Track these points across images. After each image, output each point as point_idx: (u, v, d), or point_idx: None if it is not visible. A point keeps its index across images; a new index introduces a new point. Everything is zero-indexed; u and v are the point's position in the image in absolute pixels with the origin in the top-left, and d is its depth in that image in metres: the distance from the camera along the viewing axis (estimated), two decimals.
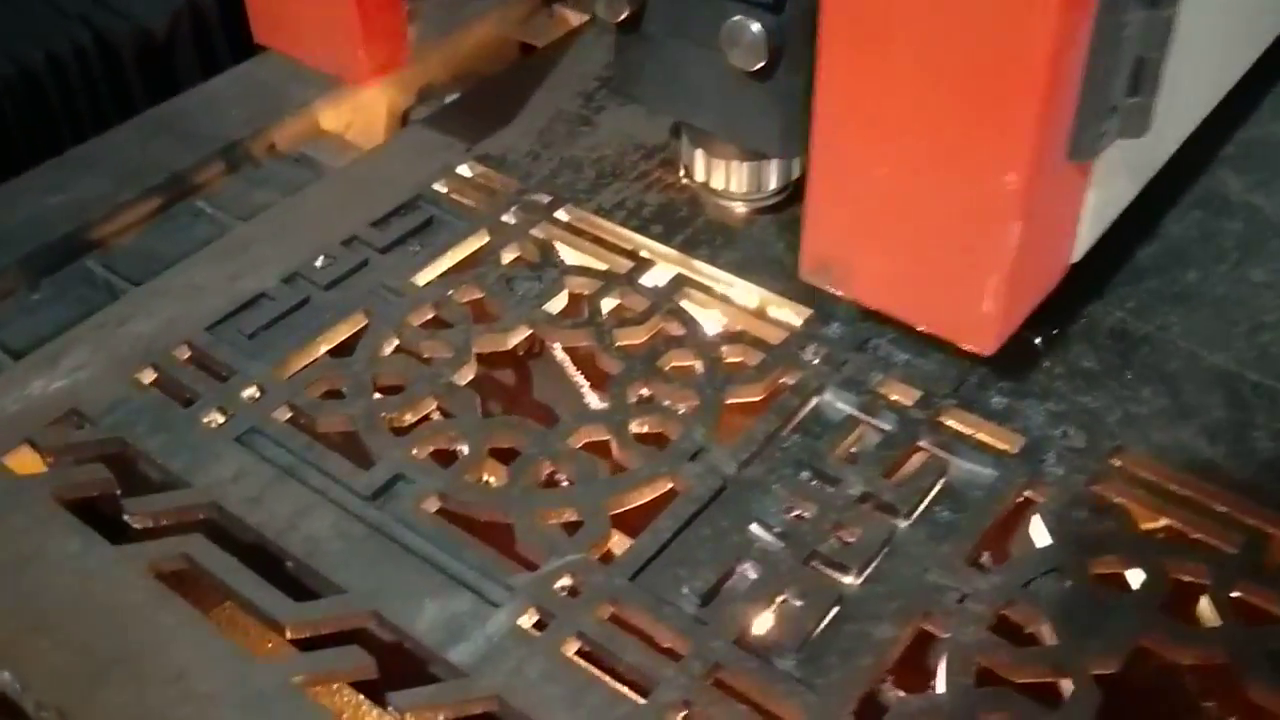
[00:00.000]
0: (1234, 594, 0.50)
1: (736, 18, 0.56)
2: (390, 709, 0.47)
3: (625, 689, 0.48)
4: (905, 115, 0.48)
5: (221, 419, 0.58)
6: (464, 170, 0.73)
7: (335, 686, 0.53)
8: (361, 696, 0.53)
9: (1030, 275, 0.52)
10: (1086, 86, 0.47)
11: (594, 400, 0.65)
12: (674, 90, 0.62)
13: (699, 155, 0.67)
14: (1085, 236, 0.55)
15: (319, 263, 0.67)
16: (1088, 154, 0.49)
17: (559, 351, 0.66)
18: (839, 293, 0.55)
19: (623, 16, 0.60)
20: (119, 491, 0.56)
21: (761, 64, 0.57)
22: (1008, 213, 0.48)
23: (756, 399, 0.59)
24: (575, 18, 0.89)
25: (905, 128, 0.48)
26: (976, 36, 0.45)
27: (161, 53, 0.98)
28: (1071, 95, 0.47)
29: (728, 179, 0.66)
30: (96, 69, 0.96)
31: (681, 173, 0.69)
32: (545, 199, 0.70)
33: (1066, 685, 0.47)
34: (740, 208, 0.68)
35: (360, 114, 0.85)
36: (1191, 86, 0.56)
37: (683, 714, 0.47)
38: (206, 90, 0.85)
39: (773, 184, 0.67)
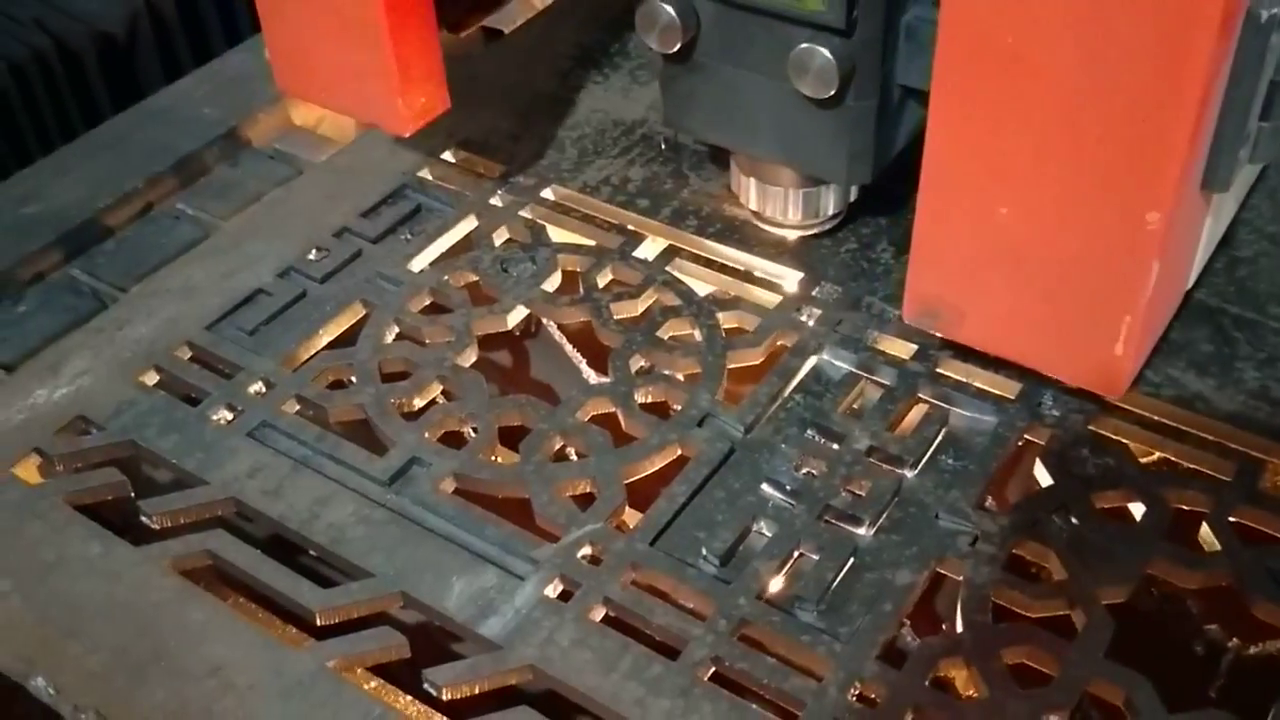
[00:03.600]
0: (1232, 519, 0.52)
1: (804, 45, 0.54)
2: (426, 685, 0.48)
3: (655, 651, 0.49)
4: (1035, 151, 0.45)
5: (231, 416, 0.59)
6: (447, 156, 0.73)
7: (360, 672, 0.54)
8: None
9: (1158, 313, 0.50)
10: (1225, 114, 0.44)
11: (592, 376, 0.66)
12: (731, 120, 0.60)
13: (752, 184, 0.64)
14: (1199, 264, 0.54)
15: (312, 256, 0.67)
16: (1223, 185, 0.46)
17: (554, 330, 0.67)
18: (947, 337, 0.54)
19: (676, 48, 0.58)
20: (133, 494, 0.56)
21: (832, 91, 0.55)
22: (1147, 253, 0.45)
23: (757, 362, 0.61)
24: (540, 0, 0.89)
25: (1034, 164, 0.45)
26: (1127, 65, 0.42)
27: (123, 56, 0.97)
28: (1211, 125, 0.44)
29: (785, 207, 0.64)
30: (58, 75, 0.95)
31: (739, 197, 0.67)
32: (531, 180, 0.71)
33: (1078, 617, 0.49)
34: (794, 235, 0.66)
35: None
36: None
37: (713, 670, 0.48)
38: (175, 91, 0.85)
39: (830, 210, 0.64)
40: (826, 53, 0.54)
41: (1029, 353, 0.52)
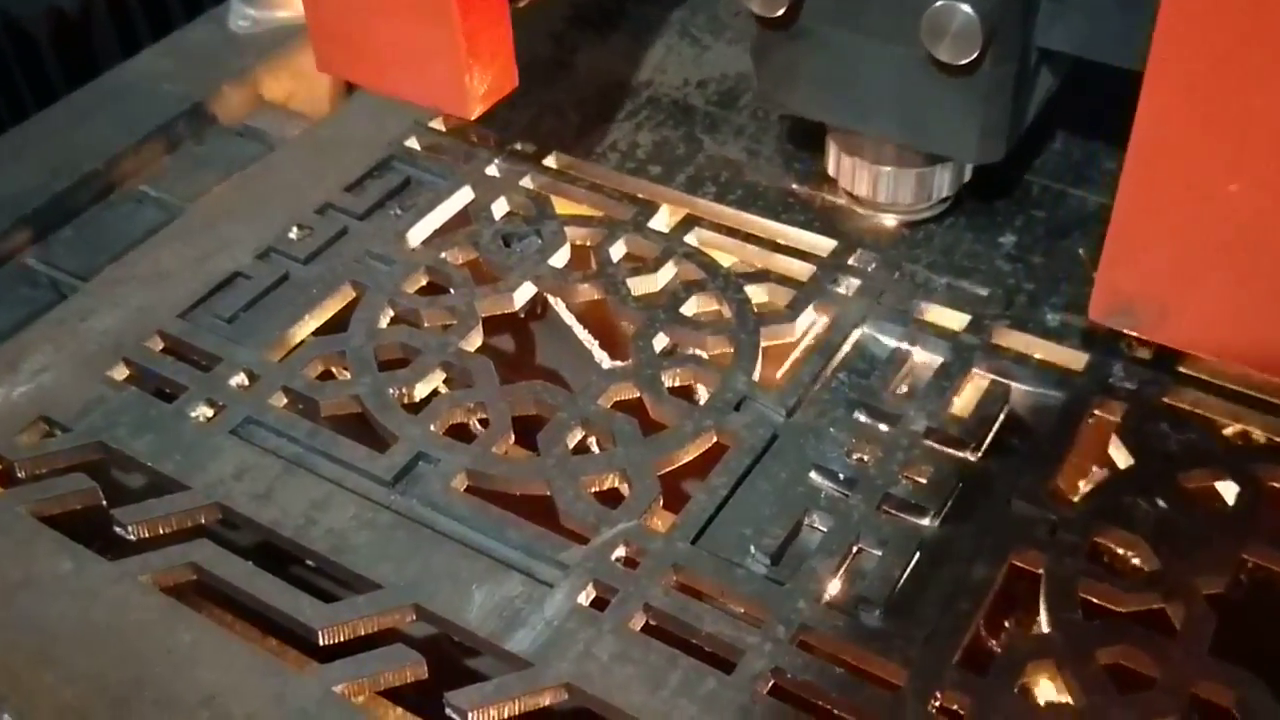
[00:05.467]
0: None
1: (941, 3, 0.49)
2: (449, 711, 0.42)
3: (705, 663, 0.43)
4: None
5: (211, 412, 0.53)
6: (436, 125, 0.67)
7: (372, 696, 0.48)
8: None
9: None
10: None
11: (605, 360, 0.60)
12: (841, 94, 0.55)
13: (856, 164, 0.58)
14: None
15: (294, 235, 0.61)
16: None
17: (563, 310, 0.61)
18: (1145, 338, 0.47)
19: (781, 10, 0.53)
20: (105, 503, 0.50)
21: (974, 54, 0.49)
22: None
23: (794, 339, 0.55)
24: None
25: (1273, 130, 0.39)
26: None
27: (77, 32, 0.91)
28: None
29: (894, 189, 0.57)
30: (9, 53, 0.89)
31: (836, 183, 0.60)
32: (530, 148, 0.65)
33: (1175, 610, 0.44)
34: (895, 220, 0.59)
35: (303, 82, 0.79)
36: None
37: (772, 683, 0.43)
38: (135, 65, 0.79)
39: (945, 191, 0.58)
40: (969, 9, 0.48)
41: (1253, 354, 0.44)
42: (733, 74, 0.69)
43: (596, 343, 0.62)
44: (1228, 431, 0.50)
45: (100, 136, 0.72)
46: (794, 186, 0.62)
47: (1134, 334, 0.46)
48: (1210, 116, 0.39)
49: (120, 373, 0.55)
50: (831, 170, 0.59)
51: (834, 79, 0.54)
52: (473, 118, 0.56)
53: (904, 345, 0.54)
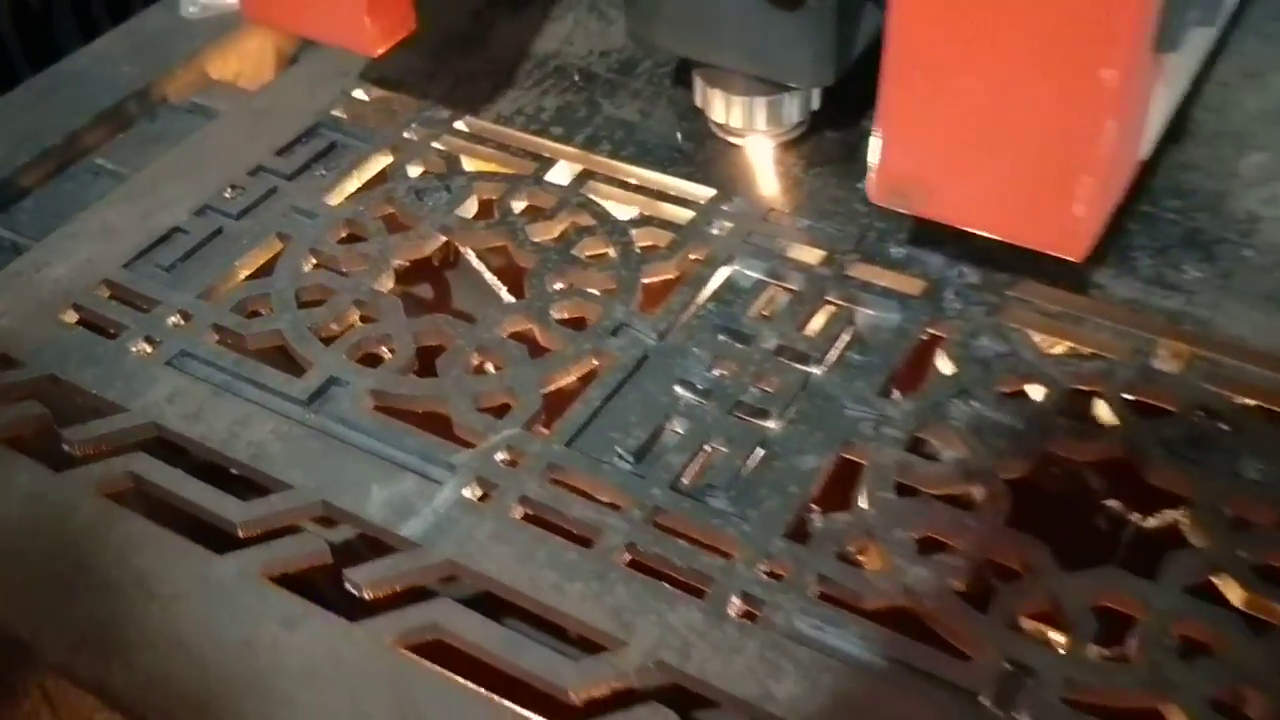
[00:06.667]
0: (1126, 395, 0.54)
1: None
2: (347, 585, 0.49)
3: (573, 542, 0.50)
4: (995, 19, 0.45)
5: (150, 348, 0.59)
6: (360, 95, 0.74)
7: None
8: None
9: (1116, 175, 0.50)
10: None
11: (512, 301, 0.67)
12: (695, 30, 0.61)
13: (717, 95, 0.65)
14: (1153, 134, 0.55)
15: (228, 194, 0.68)
16: (1173, 44, 0.47)
17: (473, 259, 0.68)
18: (917, 215, 0.53)
19: None
20: (55, 426, 0.56)
21: None
22: (1104, 111, 0.45)
23: (671, 276, 0.62)
24: None
25: (995, 33, 0.46)
26: None
27: (39, 20, 0.97)
28: None
29: (750, 116, 0.65)
30: None
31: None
32: (445, 113, 0.72)
33: (977, 491, 0.51)
34: (759, 144, 0.67)
35: (249, 61, 0.85)
36: None
37: (628, 557, 0.49)
38: (93, 50, 0.85)
39: (795, 116, 0.65)
40: None
41: (995, 223, 0.51)
42: (632, 46, 0.76)
43: (505, 288, 0.68)
44: (1040, 344, 0.57)
45: (59, 115, 0.78)
46: (680, 143, 0.68)
47: (910, 213, 0.53)
48: (943, 25, 0.46)
49: (70, 317, 0.62)
50: (699, 102, 0.66)
51: (689, 17, 0.61)
52: (375, 55, 0.63)
53: (766, 278, 0.61)
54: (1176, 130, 0.66)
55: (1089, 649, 0.45)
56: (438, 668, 0.46)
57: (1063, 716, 0.43)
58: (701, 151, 0.68)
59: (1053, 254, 0.50)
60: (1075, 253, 0.49)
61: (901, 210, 0.52)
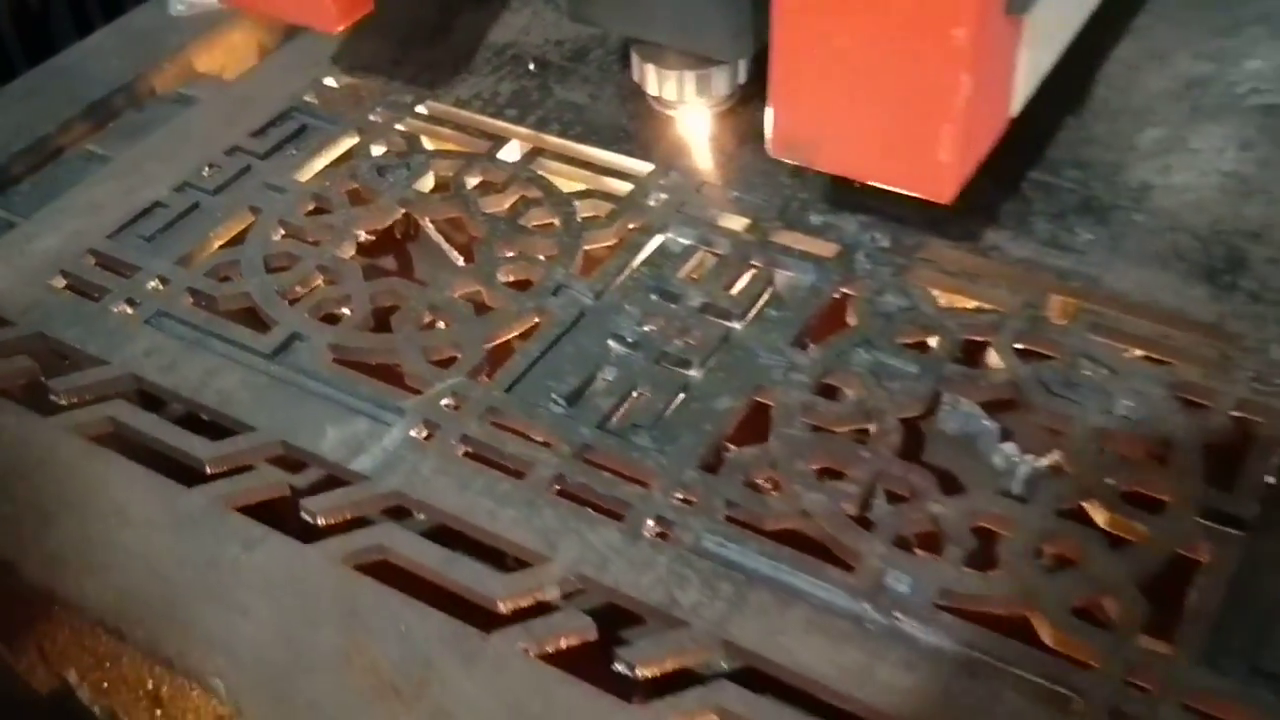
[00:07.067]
0: (1016, 345, 0.59)
1: None
2: (304, 514, 0.54)
3: (506, 475, 0.55)
4: None
5: (130, 309, 0.65)
6: (331, 82, 0.80)
7: None
8: None
9: (980, 126, 0.55)
10: None
11: (463, 265, 0.72)
12: (627, 9, 0.66)
13: (650, 70, 0.70)
14: (1021, 93, 0.59)
15: (205, 172, 0.73)
16: (1023, 7, 0.53)
17: (431, 230, 0.73)
18: (812, 167, 0.58)
19: None
20: (43, 377, 0.62)
21: None
22: (958, 66, 0.50)
23: (610, 243, 0.67)
24: None
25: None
26: None
27: (37, 19, 1.03)
28: None
29: (682, 88, 0.70)
30: None
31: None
32: (408, 98, 0.77)
33: (874, 427, 0.56)
34: (692, 115, 0.72)
35: (233, 55, 0.91)
36: None
37: (557, 487, 0.55)
38: (85, 46, 0.90)
39: (723, 89, 0.69)
40: None
41: (873, 171, 0.56)
42: (585, 35, 0.81)
43: (461, 259, 0.74)
44: (940, 299, 0.62)
45: (53, 106, 0.83)
46: (624, 123, 0.74)
47: (808, 166, 0.58)
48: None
49: (59, 282, 0.67)
50: (636, 77, 0.71)
51: None
52: (336, 31, 0.68)
53: (696, 244, 0.66)
54: (1080, 107, 0.71)
55: (963, 564, 0.50)
56: (379, 582, 0.51)
57: (935, 619, 0.49)
58: (643, 131, 0.73)
59: (923, 197, 0.55)
60: (943, 195, 0.54)
61: (797, 163, 0.57)
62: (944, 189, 0.55)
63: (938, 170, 0.54)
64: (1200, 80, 0.73)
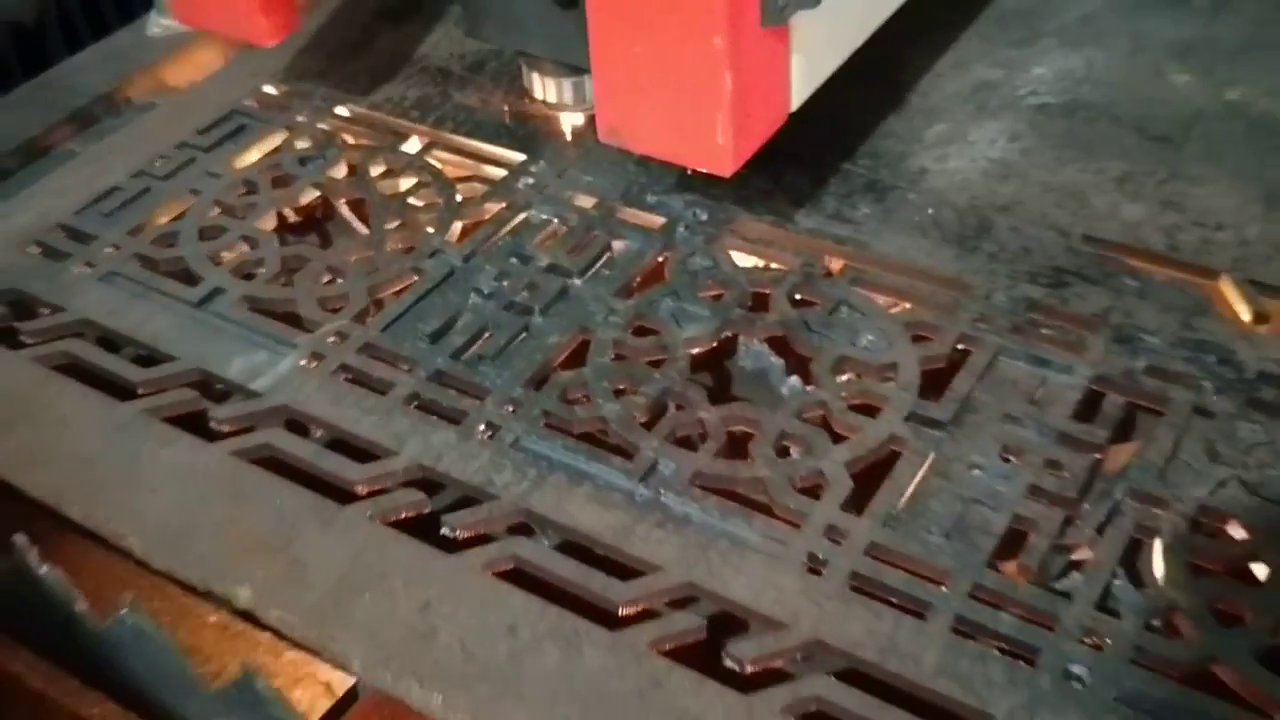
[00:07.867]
0: (796, 295, 0.73)
1: None
2: (212, 423, 0.68)
3: (372, 392, 0.69)
4: (643, 6, 0.65)
5: (89, 269, 0.79)
6: (269, 89, 0.94)
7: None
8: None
9: (753, 116, 0.68)
10: None
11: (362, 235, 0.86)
12: (511, 27, 0.81)
13: (535, 77, 0.86)
14: (799, 91, 0.72)
15: (158, 163, 0.88)
16: (775, 20, 0.65)
17: (344, 209, 0.87)
18: (628, 149, 0.72)
19: None
20: (14, 323, 0.76)
21: None
22: (721, 66, 0.63)
23: (483, 219, 0.81)
24: None
25: (651, 12, 0.64)
26: None
27: (33, 38, 1.18)
28: None
29: (561, 93, 0.85)
30: None
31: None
32: (330, 103, 0.92)
33: (667, 355, 0.69)
34: (571, 116, 0.87)
35: (199, 69, 1.05)
36: None
37: (414, 404, 0.69)
38: (74, 62, 1.05)
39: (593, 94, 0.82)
40: None
41: (672, 152, 0.70)
42: (485, 50, 0.96)
43: (367, 231, 0.88)
44: (739, 261, 0.76)
45: (41, 113, 0.98)
46: (508, 122, 0.88)
47: (631, 150, 0.71)
48: (622, 10, 0.66)
49: (32, 250, 0.82)
50: (525, 83, 0.86)
51: (505, 16, 0.81)
52: (269, 46, 0.83)
53: (552, 219, 0.80)
54: (885, 107, 0.85)
55: (718, 455, 0.64)
56: (265, 471, 0.65)
57: (691, 494, 0.62)
58: (522, 129, 0.88)
59: (708, 171, 0.69)
60: (723, 170, 0.68)
61: (618, 146, 0.71)
62: (724, 165, 0.69)
63: (717, 150, 0.68)
64: (990, 84, 0.87)
